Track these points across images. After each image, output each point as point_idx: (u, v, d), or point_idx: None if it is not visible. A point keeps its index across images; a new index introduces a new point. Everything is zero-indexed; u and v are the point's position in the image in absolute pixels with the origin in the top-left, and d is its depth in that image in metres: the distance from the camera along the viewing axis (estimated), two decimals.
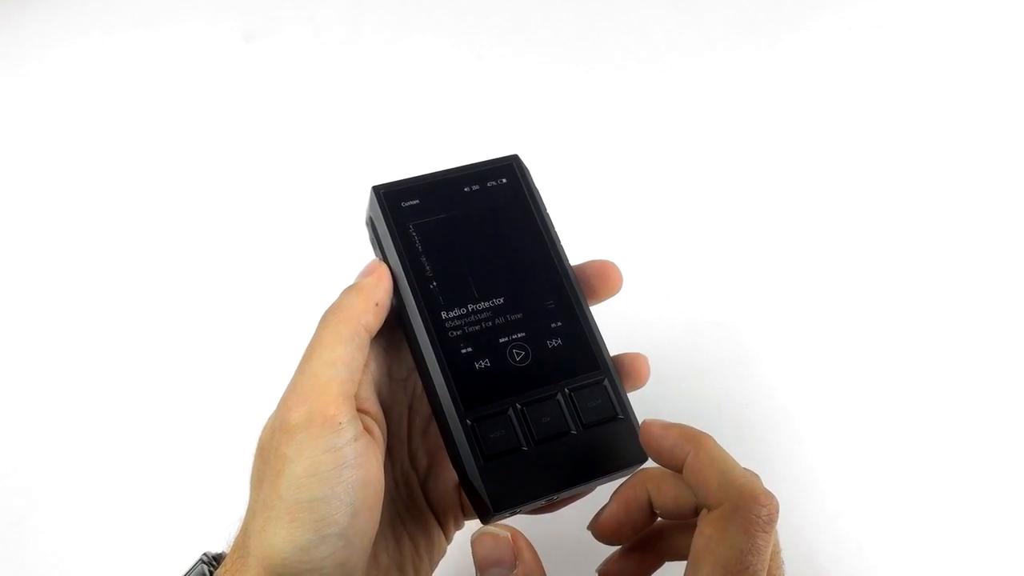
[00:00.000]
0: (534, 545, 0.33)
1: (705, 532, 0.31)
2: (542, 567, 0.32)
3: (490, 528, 0.33)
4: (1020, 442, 0.52)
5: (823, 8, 0.75)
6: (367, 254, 0.40)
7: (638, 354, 0.39)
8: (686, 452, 0.33)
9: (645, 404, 0.39)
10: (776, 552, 0.33)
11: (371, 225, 0.40)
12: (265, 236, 0.63)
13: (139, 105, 0.72)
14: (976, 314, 0.57)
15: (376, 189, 0.39)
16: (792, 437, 0.53)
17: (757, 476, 0.32)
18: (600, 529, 0.36)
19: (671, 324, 0.58)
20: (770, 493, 0.31)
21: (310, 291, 0.44)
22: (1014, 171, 0.64)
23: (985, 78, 0.70)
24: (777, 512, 0.30)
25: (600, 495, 0.39)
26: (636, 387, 0.39)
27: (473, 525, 0.39)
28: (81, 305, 0.61)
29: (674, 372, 0.55)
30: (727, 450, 0.33)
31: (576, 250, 0.41)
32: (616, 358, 0.39)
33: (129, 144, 0.69)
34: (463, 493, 0.40)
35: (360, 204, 0.41)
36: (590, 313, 0.39)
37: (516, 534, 0.33)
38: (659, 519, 0.36)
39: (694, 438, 0.33)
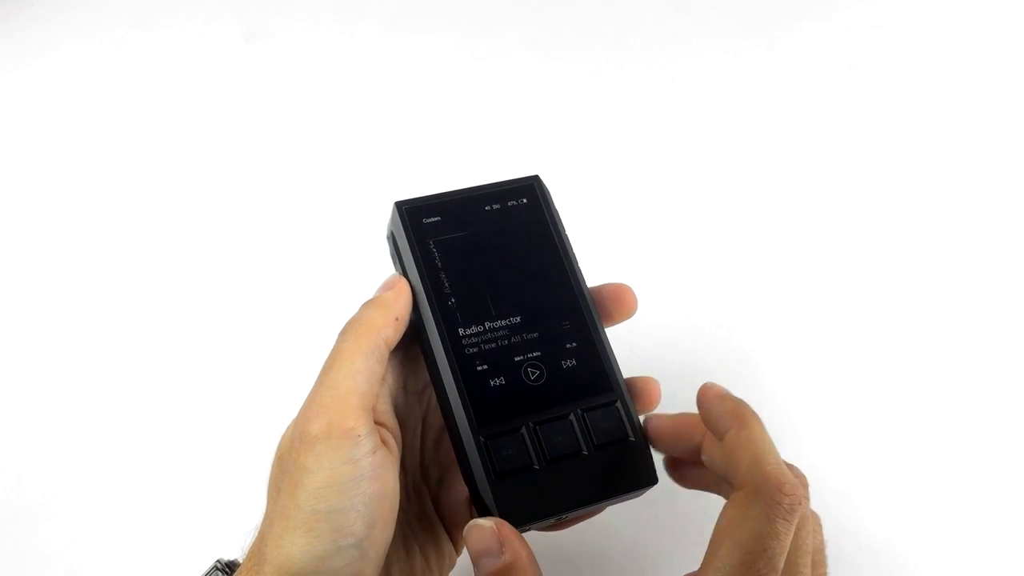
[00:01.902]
0: (538, 550, 0.34)
1: (728, 512, 0.32)
2: (529, 551, 0.33)
3: (477, 521, 0.34)
4: (1020, 442, 0.52)
5: (822, 8, 0.75)
6: (386, 267, 0.40)
7: (650, 378, 0.40)
8: (729, 427, 0.34)
9: None
10: (820, 549, 0.34)
11: (392, 240, 0.40)
12: (279, 245, 0.63)
13: (139, 105, 0.71)
14: (975, 314, 0.57)
15: (399, 205, 0.39)
16: (792, 437, 0.53)
17: (796, 468, 0.33)
18: (653, 428, 0.38)
19: (672, 324, 0.58)
20: (796, 483, 0.31)
21: (329, 302, 0.44)
22: (1014, 171, 0.64)
23: (985, 78, 0.70)
24: (800, 503, 0.31)
25: (609, 515, 0.40)
26: (647, 411, 0.40)
27: None
28: (94, 312, 0.60)
29: (674, 372, 0.55)
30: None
31: (575, 248, 0.41)
32: (628, 380, 0.39)
33: (130, 145, 0.69)
34: (473, 506, 0.40)
35: (370, 207, 0.41)
36: (605, 335, 0.39)
37: (500, 523, 0.33)
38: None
39: (741, 416, 0.34)
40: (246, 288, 0.61)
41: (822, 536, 0.35)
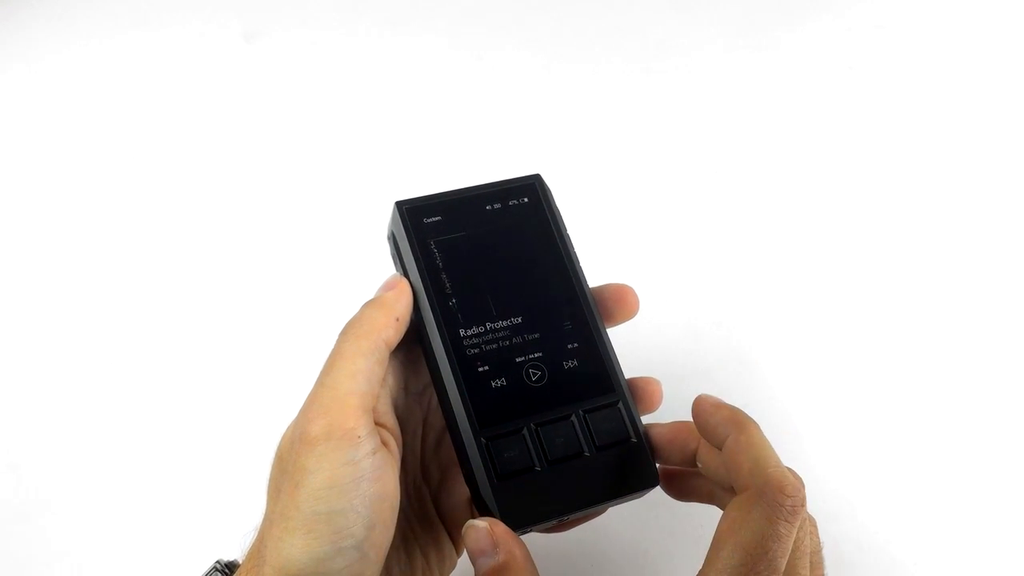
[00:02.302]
0: (538, 550, 0.34)
1: (730, 515, 0.32)
2: (524, 550, 0.33)
3: (473, 521, 0.34)
4: (1020, 442, 0.52)
5: (823, 8, 0.75)
6: (387, 268, 0.40)
7: (651, 379, 0.40)
8: (728, 434, 0.34)
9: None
10: (817, 551, 0.34)
11: (393, 240, 0.40)
12: (279, 245, 0.63)
13: (139, 105, 0.71)
14: (975, 314, 0.57)
15: (399, 205, 0.39)
16: (792, 437, 0.53)
17: (793, 472, 0.33)
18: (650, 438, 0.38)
19: (672, 324, 0.58)
20: (798, 485, 0.32)
21: (329, 303, 0.44)
22: (1014, 171, 0.64)
23: (985, 78, 0.70)
24: (802, 504, 0.31)
25: (610, 516, 0.40)
26: (648, 411, 0.39)
27: None
28: (92, 314, 0.60)
29: (674, 372, 0.55)
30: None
31: (578, 249, 0.41)
32: (630, 381, 0.39)
33: (130, 145, 0.69)
34: (474, 508, 0.40)
35: (370, 207, 0.40)
36: (607, 335, 0.39)
37: (494, 523, 0.34)
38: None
39: (739, 422, 0.35)
40: (246, 288, 0.61)
41: (818, 537, 0.35)
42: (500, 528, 0.34)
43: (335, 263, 0.61)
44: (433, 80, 0.72)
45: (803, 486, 0.33)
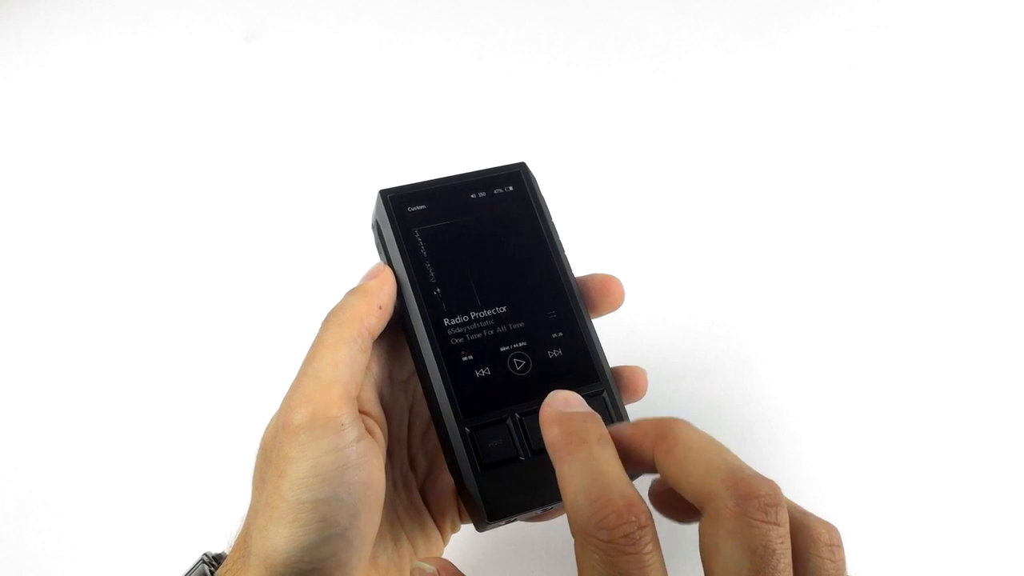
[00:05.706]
0: (535, 550, 0.33)
1: (706, 541, 0.26)
2: None
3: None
4: (1019, 442, 0.52)
5: (823, 8, 0.75)
6: (372, 257, 0.40)
7: (636, 367, 0.39)
8: (654, 455, 0.28)
9: (646, 404, 0.39)
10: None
11: (377, 229, 0.40)
12: (268, 237, 0.63)
13: (139, 105, 0.71)
14: (975, 314, 0.57)
15: (383, 193, 0.39)
16: (792, 437, 0.53)
17: (756, 480, 0.27)
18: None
19: (671, 324, 0.58)
20: (763, 478, 0.27)
21: (313, 292, 0.44)
22: (1015, 172, 0.64)
23: (986, 78, 0.70)
24: (777, 494, 0.26)
25: None
26: (634, 400, 0.39)
27: (472, 528, 0.39)
28: (83, 306, 0.60)
29: (674, 372, 0.55)
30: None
31: (572, 248, 0.41)
32: (615, 370, 0.39)
33: (129, 144, 0.69)
34: (459, 497, 0.40)
35: (362, 205, 0.40)
36: (591, 325, 0.39)
37: (441, 566, 0.30)
38: None
39: (663, 434, 0.28)
40: (233, 280, 0.61)
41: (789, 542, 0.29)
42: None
43: (320, 252, 0.61)
44: (430, 79, 0.72)
45: (764, 491, 0.26)
